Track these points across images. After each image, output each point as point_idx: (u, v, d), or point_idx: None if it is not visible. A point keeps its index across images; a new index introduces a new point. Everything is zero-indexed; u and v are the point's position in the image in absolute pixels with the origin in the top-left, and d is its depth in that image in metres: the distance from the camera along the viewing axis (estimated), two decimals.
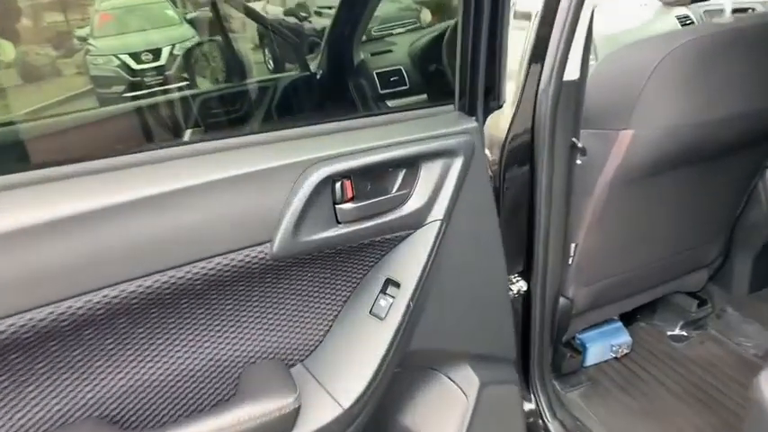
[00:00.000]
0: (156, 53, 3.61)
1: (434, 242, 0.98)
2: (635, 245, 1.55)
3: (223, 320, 0.89)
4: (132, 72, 3.56)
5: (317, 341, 0.99)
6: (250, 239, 0.83)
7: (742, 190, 1.66)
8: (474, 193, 1.03)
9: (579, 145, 1.25)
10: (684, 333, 1.88)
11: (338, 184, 0.89)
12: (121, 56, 3.59)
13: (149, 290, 0.76)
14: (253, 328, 0.92)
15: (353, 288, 1.01)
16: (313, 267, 0.94)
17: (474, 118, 1.04)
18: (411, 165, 0.97)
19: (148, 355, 0.84)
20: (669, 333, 1.90)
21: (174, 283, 0.78)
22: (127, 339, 0.82)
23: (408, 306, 0.96)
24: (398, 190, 0.97)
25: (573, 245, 1.46)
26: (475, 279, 1.10)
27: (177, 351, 0.86)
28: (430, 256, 0.98)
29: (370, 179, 0.93)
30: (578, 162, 1.31)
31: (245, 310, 0.91)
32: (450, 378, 1.13)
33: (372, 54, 2.02)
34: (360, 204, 0.91)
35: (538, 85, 1.13)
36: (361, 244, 0.95)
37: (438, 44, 1.90)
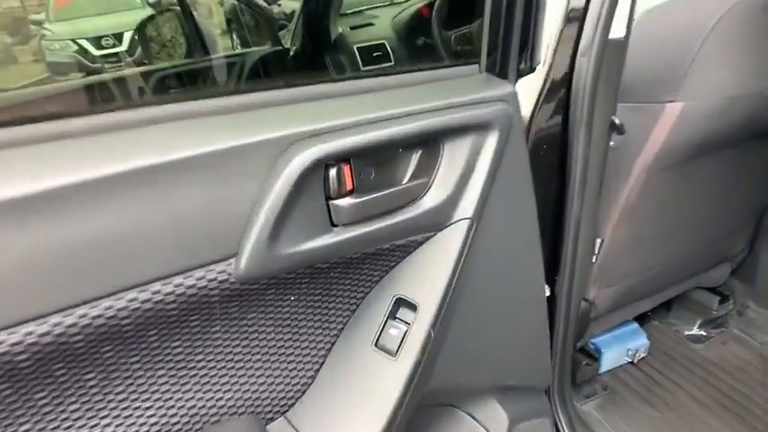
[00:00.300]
0: (119, 38, 3.40)
1: (462, 249, 0.73)
2: (664, 238, 1.35)
3: (169, 368, 0.63)
4: (92, 58, 3.38)
5: (303, 387, 0.74)
6: (205, 255, 0.58)
7: None
8: (512, 181, 0.79)
9: (617, 122, 1.02)
10: (704, 333, 1.71)
11: (332, 171, 0.64)
12: (80, 41, 3.38)
13: (51, 336, 0.51)
14: (213, 375, 0.67)
15: (352, 313, 0.75)
16: (296, 289, 0.69)
17: (507, 81, 0.80)
18: (429, 144, 0.72)
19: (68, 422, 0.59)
20: (687, 333, 1.73)
21: (89, 324, 0.52)
22: (30, 403, 0.56)
23: (429, 335, 0.71)
24: (413, 179, 0.72)
25: (598, 241, 1.24)
26: (510, 295, 0.86)
27: (101, 414, 0.60)
28: (456, 267, 0.73)
29: (375, 164, 0.68)
30: (611, 144, 1.08)
31: (200, 353, 0.65)
32: (472, 416, 0.89)
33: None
34: (362, 199, 0.66)
35: (577, 44, 0.89)
36: (363, 254, 0.70)
37: None
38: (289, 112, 0.65)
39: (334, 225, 0.66)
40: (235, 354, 0.67)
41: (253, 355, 0.68)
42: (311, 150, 0.61)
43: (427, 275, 0.73)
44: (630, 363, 1.62)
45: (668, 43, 1.03)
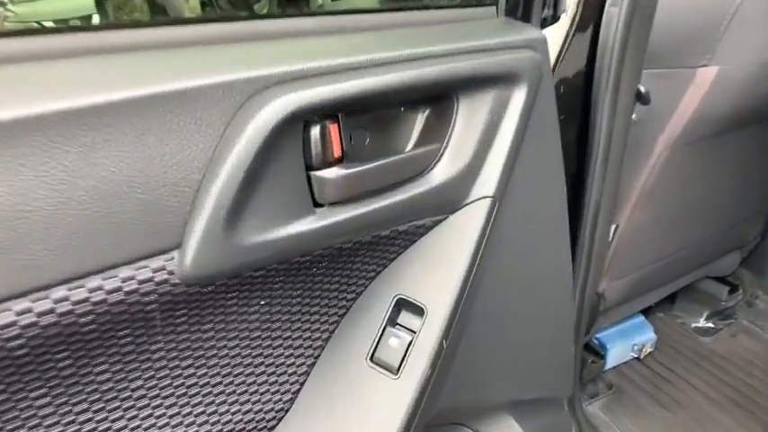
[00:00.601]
0: (88, 21, 3.16)
1: (481, 236, 0.58)
2: (683, 224, 1.22)
3: (92, 401, 0.47)
4: None
5: (279, 415, 0.58)
6: (135, 246, 0.41)
7: None
8: (540, 148, 0.64)
9: (643, 90, 0.88)
10: (711, 325, 1.60)
11: (315, 131, 0.48)
12: (45, 23, 3.10)
13: None
14: (156, 406, 0.50)
15: (340, 318, 0.60)
16: (267, 291, 0.53)
17: (532, 26, 0.65)
18: (441, 99, 0.56)
19: None
20: (694, 325, 1.62)
21: None
22: None
23: (440, 347, 0.56)
24: (419, 145, 0.56)
25: (613, 227, 1.11)
26: (535, 291, 0.71)
27: None
28: (474, 260, 0.58)
29: (371, 124, 0.53)
30: (633, 117, 0.94)
31: (137, 378, 0.48)
32: None
33: None
34: (354, 170, 0.50)
35: None
36: (355, 243, 0.54)
37: None
38: (259, 50, 0.49)
39: (317, 204, 0.50)
40: (185, 377, 0.50)
41: (210, 377, 0.52)
42: (286, 99, 0.44)
43: (438, 270, 0.58)
44: (636, 359, 1.51)
45: (702, 2, 0.89)
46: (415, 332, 0.57)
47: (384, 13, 0.59)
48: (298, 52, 0.49)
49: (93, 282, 0.39)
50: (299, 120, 0.46)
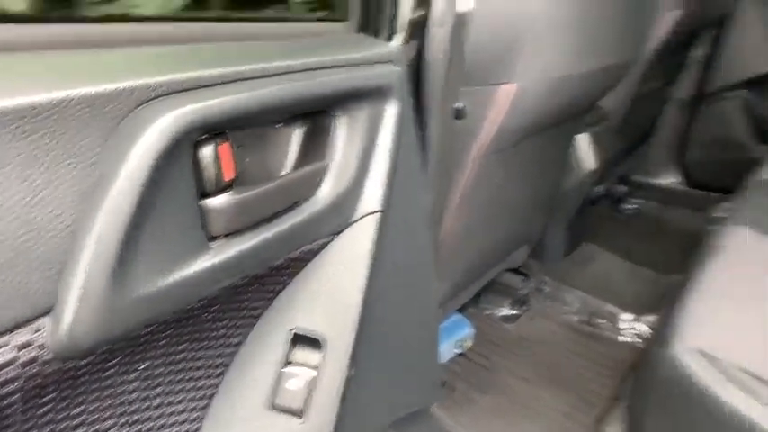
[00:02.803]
0: None
1: (371, 252, 0.56)
2: (492, 225, 1.36)
3: None
4: None
5: None
6: None
7: (564, 159, 1.60)
8: (409, 158, 0.64)
9: (461, 106, 0.96)
10: (515, 312, 1.81)
11: (206, 151, 0.41)
12: None
13: None
14: None
15: (226, 369, 0.52)
16: (151, 349, 0.43)
17: (389, 41, 0.66)
18: (318, 115, 0.53)
19: None
20: (500, 315, 1.81)
21: None
22: None
23: (348, 377, 0.52)
24: (301, 164, 0.52)
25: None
26: (406, 304, 0.71)
27: None
28: (366, 278, 0.55)
29: (251, 143, 0.47)
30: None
31: None
32: None
33: None
34: (249, 194, 0.45)
35: (428, 15, 0.79)
36: (244, 278, 0.48)
37: None
38: (137, 55, 0.40)
39: (211, 239, 0.43)
40: None
41: None
42: (179, 113, 0.37)
43: (332, 295, 0.54)
44: (460, 354, 1.62)
45: (500, 24, 1.00)
46: (317, 367, 0.52)
47: (240, 23, 0.54)
48: (178, 59, 0.41)
49: None
50: (192, 136, 0.39)
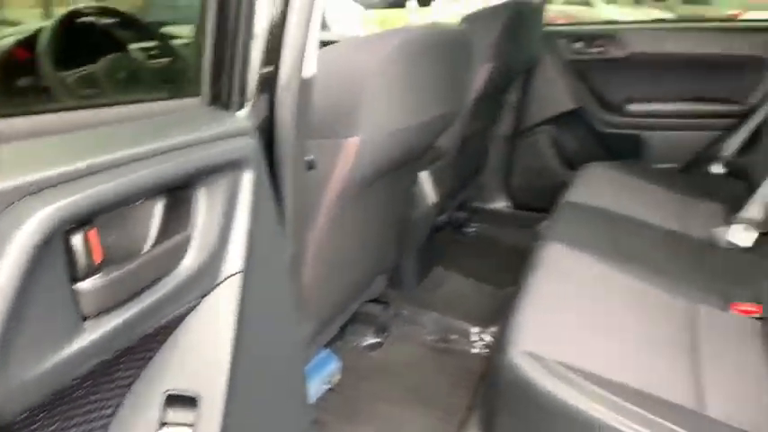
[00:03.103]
0: None
1: (236, 310, 0.61)
2: (352, 264, 1.46)
3: None
4: None
5: None
6: None
7: (409, 194, 1.77)
8: (266, 215, 0.71)
9: (311, 158, 1.06)
10: (378, 340, 1.92)
11: (76, 239, 0.45)
12: None
13: None
14: None
15: None
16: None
17: (240, 115, 0.72)
18: (179, 190, 0.58)
19: None
20: (364, 344, 1.91)
21: None
22: None
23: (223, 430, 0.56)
24: (167, 236, 0.57)
25: None
26: (274, 355, 0.76)
27: None
28: (237, 333, 0.61)
29: (117, 220, 0.51)
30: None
31: None
32: None
33: None
34: (116, 274, 0.48)
35: (275, 81, 0.88)
36: (117, 351, 0.51)
37: None
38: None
39: (84, 319, 0.46)
40: None
41: None
42: (47, 212, 0.41)
43: (204, 354, 0.58)
44: (330, 389, 1.69)
45: (342, 83, 1.12)
46: (192, 425, 0.56)
47: (95, 110, 0.57)
48: (34, 155, 0.45)
49: None
50: (61, 230, 0.43)
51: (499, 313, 1.89)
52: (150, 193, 0.55)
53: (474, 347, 1.90)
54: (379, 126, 1.14)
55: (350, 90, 1.10)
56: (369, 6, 1.26)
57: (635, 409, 0.95)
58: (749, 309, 1.34)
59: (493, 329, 1.93)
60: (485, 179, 2.69)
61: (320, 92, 1.07)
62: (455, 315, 2.03)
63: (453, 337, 1.95)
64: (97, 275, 0.47)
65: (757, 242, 1.63)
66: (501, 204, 2.76)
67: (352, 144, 1.13)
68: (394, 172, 1.43)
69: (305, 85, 0.93)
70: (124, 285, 0.50)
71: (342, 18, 2.61)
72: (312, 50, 0.92)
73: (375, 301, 1.98)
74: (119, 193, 0.48)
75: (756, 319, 1.32)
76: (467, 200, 2.66)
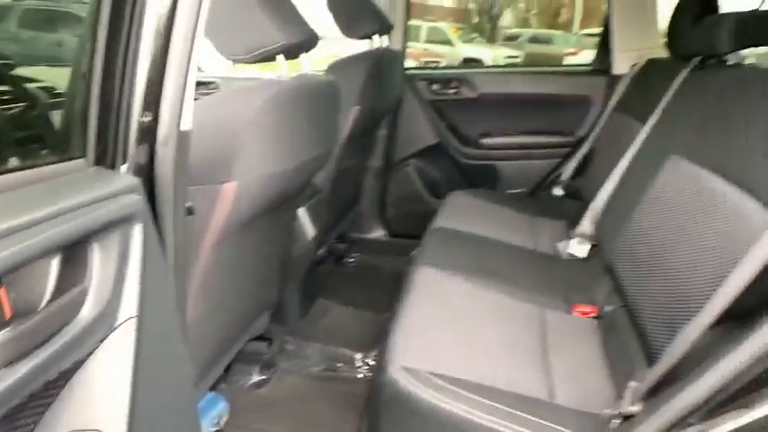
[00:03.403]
0: None
1: (132, 351, 0.65)
2: (232, 302, 1.50)
3: None
4: None
5: None
6: None
7: (290, 231, 1.84)
8: (154, 267, 0.75)
9: (190, 204, 1.11)
10: (264, 376, 1.94)
11: None
12: None
13: None
14: None
15: None
16: None
17: (127, 173, 0.76)
18: (74, 247, 0.62)
19: None
20: (250, 382, 1.92)
21: None
22: None
23: None
24: (66, 289, 0.60)
25: None
26: (167, 392, 0.79)
27: None
28: (134, 372, 0.65)
29: (18, 278, 0.55)
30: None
31: None
32: None
33: None
34: (23, 327, 0.52)
35: (155, 137, 0.93)
36: (22, 398, 0.54)
37: None
38: None
39: None
40: None
41: None
42: None
43: (104, 393, 0.62)
44: (219, 431, 1.68)
45: (219, 133, 1.18)
46: None
47: None
48: None
49: None
50: None
51: (380, 337, 2.01)
52: (49, 252, 0.58)
53: (359, 372, 1.99)
54: (255, 171, 1.21)
55: (227, 139, 1.17)
56: (237, 62, 1.34)
57: (498, 406, 1.10)
58: (587, 310, 1.58)
59: (375, 353, 2.03)
60: (361, 211, 2.83)
61: (198, 142, 1.13)
62: (339, 344, 2.11)
63: (339, 365, 2.02)
64: (5, 330, 0.51)
65: (591, 252, 1.91)
66: (378, 234, 2.92)
67: (229, 189, 1.19)
68: (273, 211, 1.50)
69: (183, 138, 0.99)
70: (29, 337, 0.53)
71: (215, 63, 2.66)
72: (189, 104, 0.98)
73: (259, 338, 2.00)
74: (23, 256, 0.52)
75: (594, 318, 1.56)
76: (345, 231, 2.78)
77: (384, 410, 1.25)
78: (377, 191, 2.85)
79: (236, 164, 1.18)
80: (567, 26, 17.83)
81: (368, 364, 2.00)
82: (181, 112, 0.93)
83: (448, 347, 1.30)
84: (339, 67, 2.06)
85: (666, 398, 0.91)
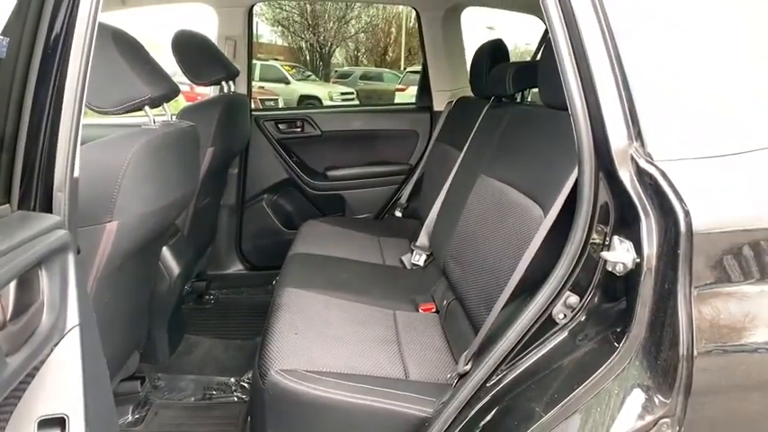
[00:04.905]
0: None
1: (82, 349, 0.82)
2: (109, 342, 1.55)
3: None
4: None
5: None
6: None
7: (155, 270, 1.93)
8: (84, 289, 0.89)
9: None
10: (138, 416, 1.97)
11: None
12: None
13: None
14: None
15: None
16: None
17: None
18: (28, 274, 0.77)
19: None
20: (126, 422, 1.95)
21: None
22: None
23: None
24: (23, 307, 0.74)
25: None
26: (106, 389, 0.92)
27: None
28: (84, 368, 0.79)
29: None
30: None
31: None
32: None
33: None
34: (18, 326, 0.68)
35: (52, 183, 1.05)
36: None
37: None
38: None
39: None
40: None
41: None
42: None
43: (64, 385, 0.76)
44: None
45: (100, 177, 1.30)
46: None
47: None
48: None
49: None
50: None
51: (251, 359, 2.15)
52: (16, 276, 0.74)
53: (234, 396, 2.10)
54: (133, 210, 1.34)
55: (108, 182, 1.29)
56: (106, 114, 1.46)
57: (364, 386, 1.34)
58: (429, 307, 1.91)
59: (248, 375, 2.17)
60: (218, 248, 2.94)
61: (83, 185, 1.24)
62: (212, 372, 2.20)
63: (213, 392, 2.12)
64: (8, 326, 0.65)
65: (428, 260, 2.27)
66: (236, 268, 3.04)
67: (111, 228, 1.31)
68: (142, 251, 1.61)
69: (73, 184, 1.11)
70: (22, 334, 0.67)
71: None
72: (77, 154, 1.11)
73: (131, 378, 2.03)
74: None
75: (435, 312, 1.89)
76: (204, 269, 2.87)
77: (268, 413, 1.42)
78: (232, 227, 2.98)
79: (116, 204, 1.30)
80: (394, 64, 19.20)
81: (243, 387, 2.13)
82: (74, 161, 1.06)
83: (316, 347, 1.52)
84: (190, 111, 2.21)
85: (487, 354, 1.22)
